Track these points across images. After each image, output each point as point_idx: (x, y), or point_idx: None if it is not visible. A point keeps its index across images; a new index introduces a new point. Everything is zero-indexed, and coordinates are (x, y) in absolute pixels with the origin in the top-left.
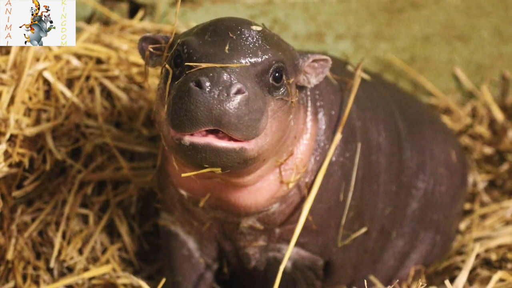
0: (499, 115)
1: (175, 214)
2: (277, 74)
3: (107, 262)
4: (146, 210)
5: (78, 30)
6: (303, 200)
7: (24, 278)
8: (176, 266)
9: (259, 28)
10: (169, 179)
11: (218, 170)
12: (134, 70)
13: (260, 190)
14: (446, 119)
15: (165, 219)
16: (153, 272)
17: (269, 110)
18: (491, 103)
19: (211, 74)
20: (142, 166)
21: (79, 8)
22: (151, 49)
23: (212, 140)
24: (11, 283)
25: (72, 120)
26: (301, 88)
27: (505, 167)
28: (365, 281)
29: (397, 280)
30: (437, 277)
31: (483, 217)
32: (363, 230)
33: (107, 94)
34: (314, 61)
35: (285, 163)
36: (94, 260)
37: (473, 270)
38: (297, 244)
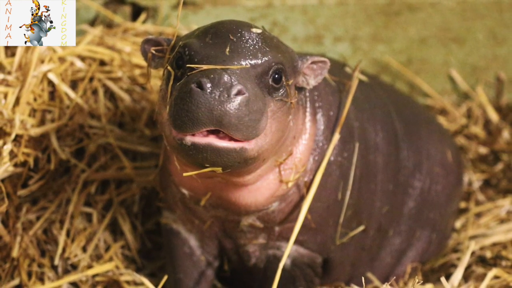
0: (493, 116)
1: (177, 213)
2: (276, 76)
3: (110, 259)
4: (148, 208)
5: (82, 33)
6: (302, 199)
7: (29, 275)
8: (177, 263)
9: (259, 31)
10: (171, 178)
11: (219, 169)
12: (137, 71)
13: (260, 189)
14: (442, 120)
15: (167, 218)
16: (155, 269)
17: (268, 111)
18: (486, 104)
19: (212, 76)
20: (144, 165)
21: (83, 11)
22: (153, 51)
23: (213, 140)
24: (17, 280)
25: (76, 120)
26: (300, 89)
27: (499, 166)
28: (363, 278)
29: (394, 277)
30: (433, 274)
31: (478, 215)
32: (361, 228)
33: (110, 95)
34: (312, 62)
35: (284, 162)
36: (97, 257)
37: (468, 267)
38: (296, 242)
